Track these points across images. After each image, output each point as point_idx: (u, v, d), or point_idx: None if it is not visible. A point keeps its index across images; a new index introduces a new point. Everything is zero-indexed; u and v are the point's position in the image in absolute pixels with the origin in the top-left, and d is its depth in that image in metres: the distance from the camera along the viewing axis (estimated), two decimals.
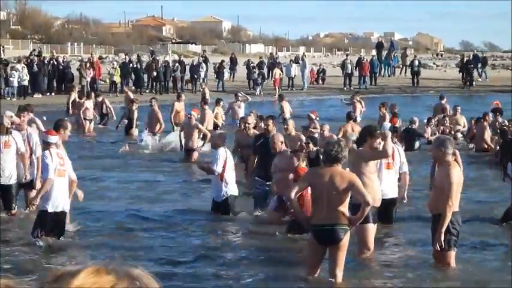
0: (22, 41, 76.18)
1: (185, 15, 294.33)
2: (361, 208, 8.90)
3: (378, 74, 53.54)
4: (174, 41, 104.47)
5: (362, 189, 8.99)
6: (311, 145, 15.50)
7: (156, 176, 18.39)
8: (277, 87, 46.22)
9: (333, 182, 8.93)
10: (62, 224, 11.60)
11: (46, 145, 11.68)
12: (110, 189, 16.59)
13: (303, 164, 12.42)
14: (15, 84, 39.11)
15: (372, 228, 10.71)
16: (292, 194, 9.09)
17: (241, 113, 27.95)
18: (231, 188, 13.82)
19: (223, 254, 11.38)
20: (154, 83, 45.37)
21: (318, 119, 21.85)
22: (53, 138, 11.63)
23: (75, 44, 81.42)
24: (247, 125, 17.00)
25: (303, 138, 15.76)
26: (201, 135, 20.76)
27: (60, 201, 11.41)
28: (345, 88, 48.19)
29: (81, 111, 27.77)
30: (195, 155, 20.38)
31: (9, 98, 38.64)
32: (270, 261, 10.97)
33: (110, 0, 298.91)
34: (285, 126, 15.76)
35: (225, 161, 13.72)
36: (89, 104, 28.52)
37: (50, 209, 11.36)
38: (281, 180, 12.82)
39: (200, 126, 20.90)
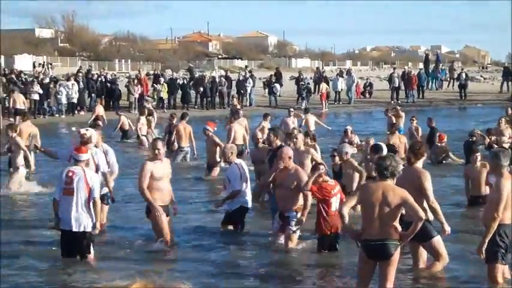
0: (70, 58, 77.16)
1: (231, 31, 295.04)
2: (414, 223, 8.78)
3: (425, 87, 53.34)
4: (220, 56, 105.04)
5: (415, 205, 8.88)
6: (336, 158, 15.42)
7: (177, 192, 18.31)
8: (324, 102, 46.19)
9: (385, 198, 8.82)
10: (75, 243, 11.16)
11: (75, 162, 11.40)
12: (133, 202, 16.21)
13: (326, 177, 12.16)
14: (64, 101, 39.56)
15: (440, 240, 10.66)
16: (344, 210, 8.98)
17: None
18: (245, 200, 13.55)
19: (250, 271, 11.23)
20: (201, 99, 45.61)
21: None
22: (82, 156, 11.31)
23: (123, 60, 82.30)
24: (258, 139, 16.92)
25: (314, 152, 15.50)
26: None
27: (66, 219, 11.08)
28: (393, 102, 47.90)
29: (138, 128, 28.53)
30: (216, 170, 19.86)
31: (57, 115, 39.14)
32: (305, 277, 10.93)
33: (157, 17, 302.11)
34: (294, 140, 15.34)
35: (241, 174, 13.51)
36: (143, 120, 28.91)
37: (62, 227, 11.20)
38: (283, 197, 12.26)
39: (215, 138, 20.30)
